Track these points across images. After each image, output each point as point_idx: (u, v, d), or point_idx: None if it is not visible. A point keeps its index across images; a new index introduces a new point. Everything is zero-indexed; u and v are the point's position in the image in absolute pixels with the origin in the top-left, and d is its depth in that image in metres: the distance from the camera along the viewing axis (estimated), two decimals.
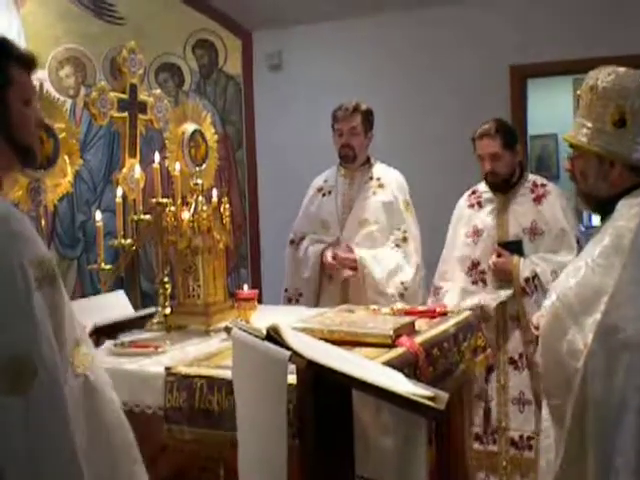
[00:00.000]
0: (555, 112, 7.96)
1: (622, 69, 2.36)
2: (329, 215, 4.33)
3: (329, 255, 4.15)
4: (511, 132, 3.95)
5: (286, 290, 4.42)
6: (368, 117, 4.29)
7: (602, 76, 2.35)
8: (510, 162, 3.90)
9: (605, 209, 2.40)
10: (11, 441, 1.58)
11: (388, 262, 4.12)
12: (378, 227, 4.21)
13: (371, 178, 4.34)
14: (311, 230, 4.38)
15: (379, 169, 4.39)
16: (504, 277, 3.82)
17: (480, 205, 4.04)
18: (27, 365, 1.61)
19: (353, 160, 4.30)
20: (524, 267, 3.75)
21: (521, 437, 3.84)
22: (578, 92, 2.46)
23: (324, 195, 4.40)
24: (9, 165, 1.83)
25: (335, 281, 4.24)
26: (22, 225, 1.71)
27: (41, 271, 1.69)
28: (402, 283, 4.13)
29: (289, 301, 4.37)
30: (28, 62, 1.85)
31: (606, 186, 2.38)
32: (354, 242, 4.19)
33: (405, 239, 4.21)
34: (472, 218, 4.04)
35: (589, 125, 2.37)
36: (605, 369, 2.15)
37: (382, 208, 4.24)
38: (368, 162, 4.39)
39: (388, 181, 4.33)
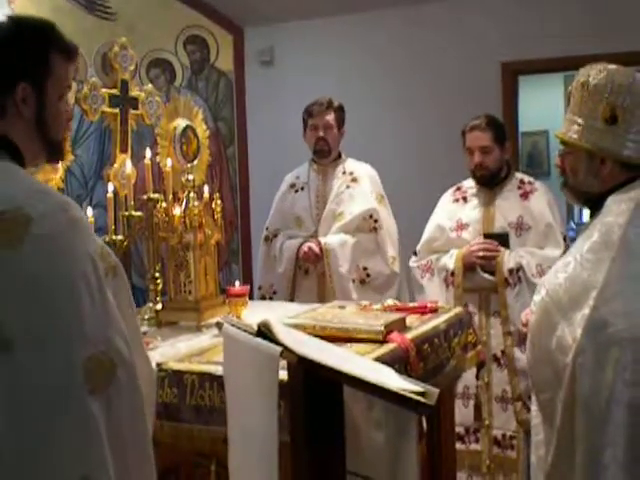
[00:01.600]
0: (546, 109, 7.97)
1: (613, 66, 2.37)
2: (303, 211, 4.38)
3: (305, 247, 4.19)
4: (501, 128, 3.97)
5: (260, 288, 4.44)
6: (341, 113, 4.39)
7: (594, 73, 2.36)
8: (499, 157, 3.91)
9: (595, 205, 2.41)
10: (98, 446, 1.51)
11: (354, 246, 4.20)
12: (353, 220, 4.25)
13: (344, 173, 4.40)
14: (285, 226, 4.42)
15: (351, 164, 4.45)
16: (489, 267, 3.82)
17: (465, 200, 4.04)
18: (106, 363, 1.54)
19: (328, 154, 4.36)
20: (509, 258, 3.76)
21: (504, 436, 3.83)
22: (569, 89, 2.47)
23: (297, 191, 4.45)
24: (36, 158, 1.75)
25: (311, 276, 4.26)
26: (80, 214, 1.63)
27: (105, 262, 1.63)
28: (365, 269, 4.19)
29: (262, 299, 4.39)
30: (70, 53, 1.78)
31: (597, 182, 2.39)
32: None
33: (375, 229, 4.26)
34: (456, 212, 4.03)
35: (580, 122, 2.38)
36: (594, 364, 2.16)
37: (356, 201, 4.29)
38: (340, 157, 4.45)
39: (361, 175, 4.40)
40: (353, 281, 4.19)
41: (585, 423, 2.18)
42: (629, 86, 2.31)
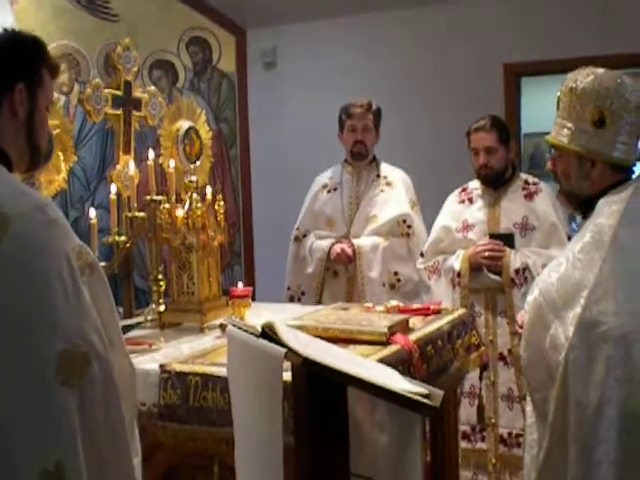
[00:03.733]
0: (548, 111, 7.91)
1: (600, 70, 2.41)
2: (335, 212, 4.34)
3: (338, 249, 4.17)
4: (506, 128, 4.00)
5: (288, 288, 4.42)
6: (378, 117, 4.36)
7: (581, 77, 2.40)
8: (504, 157, 3.92)
9: (587, 207, 2.45)
10: (69, 434, 1.56)
11: (386, 250, 4.17)
12: (386, 223, 4.23)
13: (378, 176, 4.38)
14: (315, 227, 4.38)
15: (385, 168, 4.43)
16: (495, 268, 3.82)
17: (471, 201, 4.05)
18: (79, 357, 1.60)
19: (365, 157, 4.34)
20: (515, 259, 3.77)
21: (510, 434, 3.84)
22: (558, 94, 2.52)
23: (329, 192, 4.41)
24: (20, 162, 1.83)
25: (340, 278, 4.24)
26: (58, 213, 1.71)
27: (81, 260, 1.69)
28: (395, 274, 4.16)
29: (291, 299, 4.36)
30: (55, 70, 1.91)
31: (587, 185, 2.43)
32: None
33: (408, 235, 4.24)
34: (462, 213, 4.04)
35: (569, 125, 2.43)
36: (586, 362, 2.19)
37: (390, 205, 4.27)
38: (374, 160, 4.41)
39: (395, 180, 4.37)
40: (384, 285, 4.16)
41: (577, 420, 2.20)
42: (616, 89, 2.35)
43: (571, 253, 2.33)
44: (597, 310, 2.20)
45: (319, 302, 4.13)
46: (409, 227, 4.25)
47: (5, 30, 1.84)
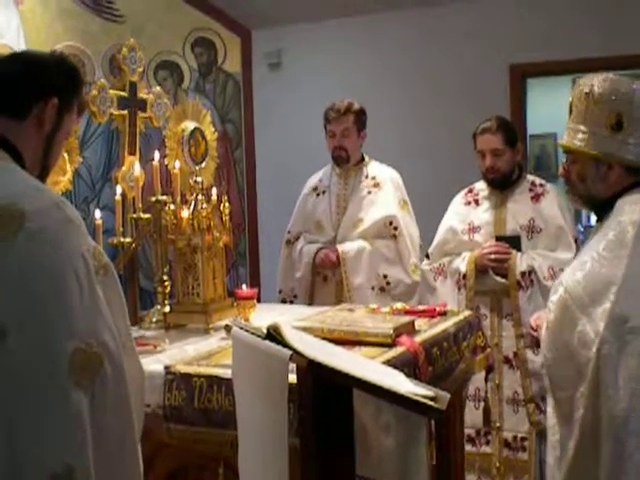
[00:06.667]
0: (554, 112, 7.93)
1: (614, 76, 2.47)
2: (323, 215, 4.30)
3: (322, 254, 4.15)
4: (512, 130, 3.96)
5: (280, 291, 4.39)
6: (361, 117, 4.26)
7: (597, 82, 2.46)
8: (510, 159, 3.90)
9: (603, 209, 2.50)
10: (80, 436, 1.56)
11: (372, 254, 4.12)
12: (372, 226, 4.18)
13: (366, 177, 4.31)
14: (306, 230, 4.35)
15: (374, 168, 4.35)
16: (501, 270, 3.80)
17: (477, 203, 4.03)
18: (92, 357, 1.59)
19: (346, 161, 4.27)
20: (521, 261, 3.75)
21: (515, 438, 3.82)
22: (570, 99, 2.55)
23: (318, 195, 4.37)
24: (29, 171, 1.82)
25: (329, 283, 4.21)
26: (75, 212, 1.70)
27: (96, 260, 1.69)
28: (385, 277, 4.12)
29: (283, 302, 4.34)
30: (84, 107, 1.99)
31: (604, 187, 2.48)
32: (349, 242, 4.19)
33: (395, 236, 4.18)
34: (468, 215, 4.02)
35: (584, 129, 2.47)
36: (617, 355, 2.23)
37: (376, 207, 4.22)
38: (362, 161, 4.36)
39: (384, 179, 4.30)
40: (372, 289, 4.11)
41: (609, 414, 2.23)
42: (633, 93, 2.42)
43: (595, 252, 2.37)
44: (627, 305, 2.24)
45: (310, 306, 4.08)
46: (395, 229, 4.17)
47: (54, 51, 1.95)
